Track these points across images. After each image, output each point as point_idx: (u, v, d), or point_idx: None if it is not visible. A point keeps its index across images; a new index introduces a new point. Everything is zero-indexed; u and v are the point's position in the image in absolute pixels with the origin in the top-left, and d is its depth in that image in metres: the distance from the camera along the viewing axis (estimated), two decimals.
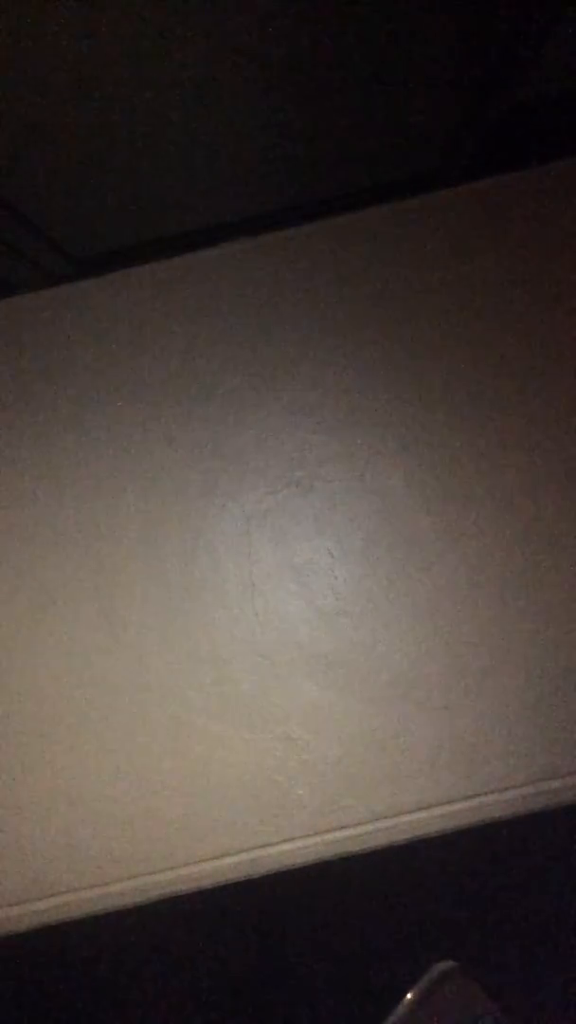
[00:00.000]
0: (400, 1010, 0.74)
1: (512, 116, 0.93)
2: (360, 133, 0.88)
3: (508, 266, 1.03)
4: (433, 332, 1.03)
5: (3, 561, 1.05)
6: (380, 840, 0.98)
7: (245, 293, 1.06)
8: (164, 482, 1.04)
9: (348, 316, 1.04)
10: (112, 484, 1.05)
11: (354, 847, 0.98)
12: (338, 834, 0.98)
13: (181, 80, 0.71)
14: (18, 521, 1.05)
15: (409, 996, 0.75)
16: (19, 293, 1.08)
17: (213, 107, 0.77)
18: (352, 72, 0.76)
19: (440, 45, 0.73)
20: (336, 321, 1.04)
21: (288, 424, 1.04)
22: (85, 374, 1.06)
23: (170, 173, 0.87)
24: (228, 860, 0.99)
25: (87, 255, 1.03)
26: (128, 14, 0.61)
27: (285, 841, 0.98)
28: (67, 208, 0.90)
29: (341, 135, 0.87)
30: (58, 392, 1.06)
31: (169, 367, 1.06)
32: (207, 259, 1.07)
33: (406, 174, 1.01)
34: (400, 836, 0.98)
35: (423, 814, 0.98)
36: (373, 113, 0.84)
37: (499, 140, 0.96)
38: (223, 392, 1.05)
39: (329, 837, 0.98)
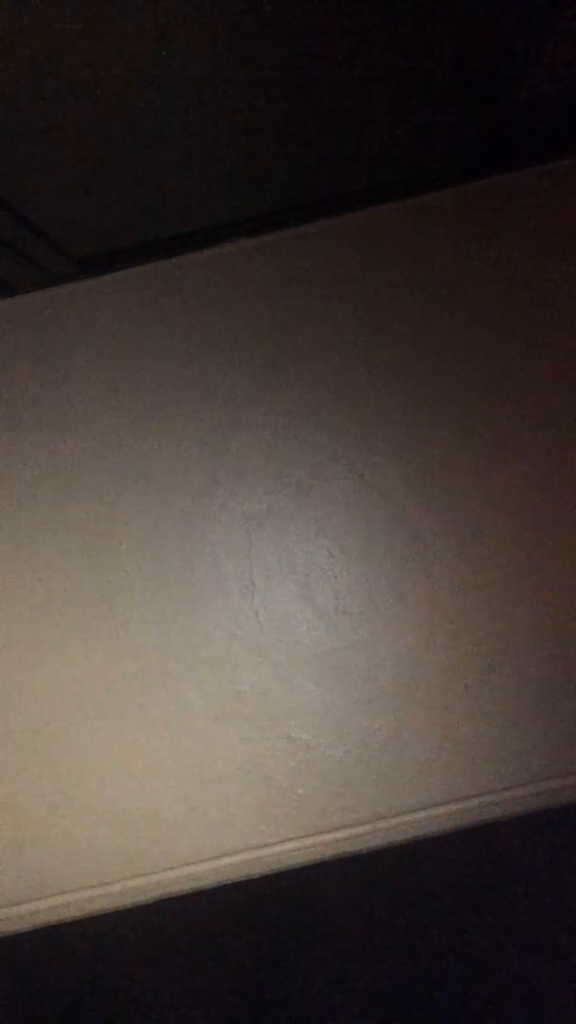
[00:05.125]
0: None
1: (512, 116, 0.93)
2: (360, 133, 0.88)
3: (508, 266, 1.03)
4: (433, 332, 1.03)
5: (3, 561, 1.05)
6: (380, 840, 0.98)
7: (245, 293, 1.06)
8: (164, 482, 1.04)
9: (348, 316, 1.04)
10: (112, 484, 1.05)
11: (354, 847, 0.98)
12: (338, 834, 0.98)
13: (181, 80, 0.71)
14: (18, 521, 1.05)
15: None
16: (19, 293, 1.08)
17: (213, 107, 0.77)
18: (352, 72, 0.76)
19: (440, 45, 0.73)
20: (336, 321, 1.04)
21: (288, 424, 1.04)
22: (85, 374, 1.06)
23: (170, 173, 0.87)
24: (228, 860, 0.99)
25: (87, 255, 1.03)
26: (128, 14, 0.61)
27: (285, 841, 0.98)
28: (67, 208, 0.90)
29: (341, 135, 0.87)
30: (58, 392, 1.07)
31: (169, 367, 1.06)
32: (207, 259, 1.07)
33: (406, 174, 1.01)
34: (400, 836, 0.98)
35: (423, 814, 0.98)
36: (373, 113, 0.84)
37: (499, 140, 0.96)
38: (223, 392, 1.05)
39: (329, 837, 0.98)
